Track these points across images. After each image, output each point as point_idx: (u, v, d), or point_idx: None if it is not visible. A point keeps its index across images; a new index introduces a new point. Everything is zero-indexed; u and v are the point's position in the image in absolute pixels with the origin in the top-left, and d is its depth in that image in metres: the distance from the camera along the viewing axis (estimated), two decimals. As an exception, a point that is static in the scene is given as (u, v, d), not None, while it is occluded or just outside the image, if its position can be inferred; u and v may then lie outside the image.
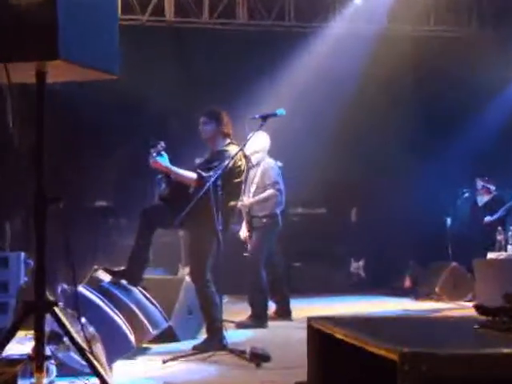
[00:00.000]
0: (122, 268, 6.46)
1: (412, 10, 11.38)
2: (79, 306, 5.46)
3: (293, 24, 11.43)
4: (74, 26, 3.66)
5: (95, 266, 7.07)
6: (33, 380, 3.93)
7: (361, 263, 12.03)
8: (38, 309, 3.78)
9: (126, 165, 11.36)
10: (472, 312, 2.49)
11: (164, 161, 6.19)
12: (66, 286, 6.20)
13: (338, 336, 2.09)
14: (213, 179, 6.05)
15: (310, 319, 2.41)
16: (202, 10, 11.26)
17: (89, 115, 10.68)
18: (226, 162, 6.23)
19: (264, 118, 6.37)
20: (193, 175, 6.24)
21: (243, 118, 6.69)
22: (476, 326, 2.19)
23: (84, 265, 8.57)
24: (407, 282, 11.22)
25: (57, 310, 3.83)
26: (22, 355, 4.19)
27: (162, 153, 6.20)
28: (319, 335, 2.30)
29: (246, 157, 6.64)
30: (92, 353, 3.85)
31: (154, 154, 6.18)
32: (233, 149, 6.47)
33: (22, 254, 7.72)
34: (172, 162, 6.42)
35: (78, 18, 3.68)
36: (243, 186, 7.39)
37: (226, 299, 9.41)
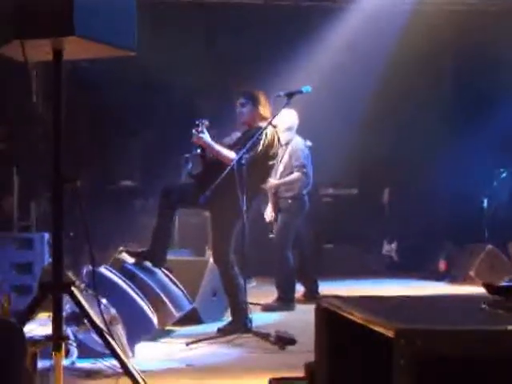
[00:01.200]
0: (146, 249, 6.43)
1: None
2: (101, 287, 5.46)
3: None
4: (90, 2, 3.61)
5: (120, 248, 7.06)
6: (53, 361, 3.91)
7: (393, 245, 11.85)
8: (55, 289, 3.75)
9: (152, 144, 11.33)
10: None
11: (206, 137, 6.21)
12: (90, 267, 6.19)
13: (344, 314, 2.03)
14: (237, 157, 5.98)
15: (319, 298, 2.35)
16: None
17: (115, 94, 10.63)
18: (259, 143, 6.17)
19: (289, 95, 6.26)
20: (232, 154, 6.17)
21: (271, 95, 6.59)
22: (483, 305, 2.10)
23: (110, 246, 8.61)
24: (442, 265, 10.98)
25: (75, 290, 3.79)
26: (42, 336, 4.14)
27: (204, 130, 6.23)
28: (326, 314, 2.24)
29: (278, 139, 6.52)
30: (110, 334, 3.81)
31: (197, 132, 6.22)
32: (269, 131, 6.38)
33: (46, 235, 7.72)
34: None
35: (93, -8, 3.63)
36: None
37: (253, 282, 9.39)
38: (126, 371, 3.70)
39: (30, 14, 3.56)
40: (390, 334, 1.69)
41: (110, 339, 3.73)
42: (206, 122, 6.28)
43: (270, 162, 6.48)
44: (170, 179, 8.42)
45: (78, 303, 3.77)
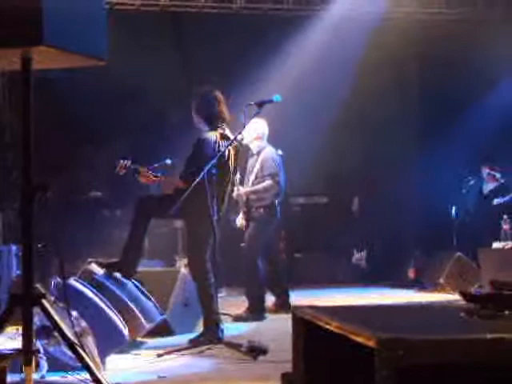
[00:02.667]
0: (115, 260, 6.36)
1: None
2: (71, 299, 5.40)
3: (291, 7, 11.16)
4: (59, 11, 3.57)
5: (89, 259, 6.99)
6: (22, 375, 3.85)
7: (363, 254, 11.89)
8: (24, 302, 3.69)
9: (121, 154, 11.24)
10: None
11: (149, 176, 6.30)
12: (59, 279, 6.12)
13: (321, 324, 2.01)
14: (207, 168, 5.94)
15: (293, 308, 2.34)
16: (198, -7, 11.02)
17: (84, 104, 10.55)
18: (209, 150, 6.13)
19: (260, 104, 6.24)
20: (178, 181, 6.17)
21: (241, 104, 6.57)
22: (461, 313, 2.10)
23: (79, 257, 8.51)
24: (411, 273, 11.05)
25: (45, 302, 3.73)
26: (11, 350, 4.08)
27: (137, 168, 6.33)
28: (303, 324, 2.22)
29: (231, 144, 6.41)
30: (82, 346, 3.75)
31: (136, 176, 6.33)
32: (213, 134, 6.31)
33: (14, 247, 7.62)
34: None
35: (63, 1, 3.58)
36: (239, 176, 7.29)
37: (223, 292, 9.35)
38: (98, 384, 3.65)
39: (-3, 23, 3.50)
40: (371, 343, 1.67)
41: (81, 352, 3.67)
42: (126, 162, 6.37)
43: (221, 167, 6.38)
44: (139, 191, 8.37)
45: (48, 316, 3.71)
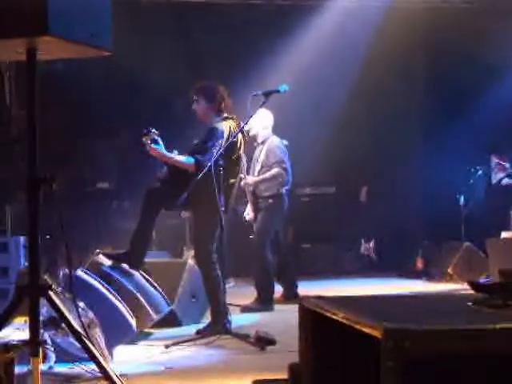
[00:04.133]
0: (123, 251, 6.36)
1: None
2: (78, 290, 5.40)
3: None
4: (64, 1, 3.55)
5: (97, 250, 7.00)
6: (30, 366, 3.85)
7: (371, 244, 11.83)
8: (31, 293, 3.69)
9: (128, 146, 11.24)
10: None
11: (160, 149, 6.11)
12: (67, 270, 6.12)
13: (328, 315, 1.99)
14: (214, 159, 5.92)
15: (300, 298, 2.32)
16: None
17: (90, 95, 10.55)
18: (221, 140, 6.12)
19: (266, 94, 6.21)
20: (190, 161, 6.11)
21: (248, 94, 6.55)
22: (469, 303, 2.07)
23: (86, 249, 8.52)
24: (419, 263, 10.99)
25: (51, 294, 3.73)
26: (19, 341, 4.08)
27: (158, 140, 6.11)
28: (310, 315, 2.20)
29: (242, 132, 6.43)
30: (89, 338, 3.75)
31: (149, 142, 6.09)
32: (226, 124, 6.31)
33: (22, 238, 7.63)
34: (177, 142, 6.34)
35: (68, -9, 3.57)
36: (245, 164, 7.27)
37: (232, 283, 9.34)
38: (105, 375, 3.65)
39: (2, 13, 3.49)
40: (377, 334, 1.65)
41: (88, 343, 3.67)
42: (155, 131, 6.14)
43: (232, 156, 6.35)
44: (146, 182, 8.36)
45: (55, 307, 3.71)
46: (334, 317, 1.92)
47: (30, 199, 3.76)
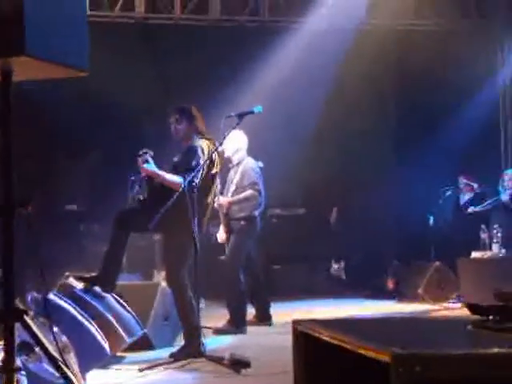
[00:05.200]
0: (94, 274, 6.28)
1: (392, 3, 11.17)
2: (50, 314, 5.31)
3: (267, 19, 11.17)
4: (41, 20, 3.50)
5: (67, 273, 6.90)
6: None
7: (341, 265, 11.85)
8: (6, 318, 3.61)
9: (98, 167, 11.16)
10: (459, 312, 2.36)
11: (151, 167, 6.16)
12: (36, 294, 6.02)
13: (324, 338, 1.95)
14: (188, 179, 5.90)
15: (294, 322, 2.29)
16: (174, 4, 10.92)
17: (59, 116, 10.45)
18: (203, 160, 6.12)
19: (241, 116, 6.23)
20: (178, 179, 6.08)
21: (218, 115, 6.54)
22: (469, 326, 2.06)
23: (55, 272, 8.39)
24: (390, 284, 11.01)
25: (27, 318, 3.66)
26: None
27: (149, 159, 6.18)
28: (304, 338, 2.16)
29: (216, 150, 6.45)
30: (65, 362, 3.68)
31: (141, 162, 6.18)
32: (203, 143, 6.32)
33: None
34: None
35: (44, 11, 3.53)
36: (220, 186, 7.26)
37: (203, 304, 9.26)
38: (82, 401, 3.58)
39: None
40: (386, 359, 1.62)
41: (65, 369, 3.60)
42: (151, 152, 6.23)
43: (207, 174, 6.36)
44: (116, 204, 8.29)
45: (31, 332, 3.63)
46: (330, 340, 1.89)
47: (5, 222, 3.69)
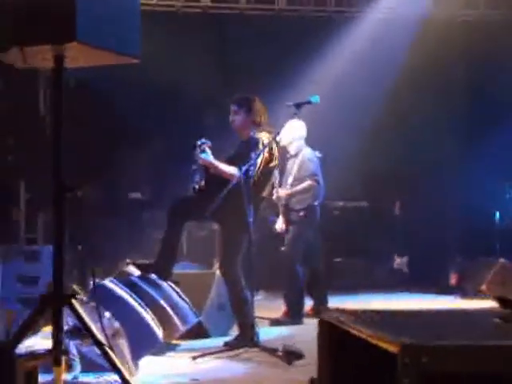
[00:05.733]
0: (151, 262, 6.34)
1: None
2: (105, 300, 5.38)
3: (333, 9, 11.06)
4: (93, 8, 3.54)
5: (127, 260, 6.99)
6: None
7: (404, 259, 11.70)
8: (54, 302, 3.67)
9: (161, 155, 11.25)
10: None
11: (207, 157, 6.19)
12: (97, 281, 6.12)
13: (345, 328, 1.92)
14: (243, 170, 5.90)
15: (319, 310, 2.25)
16: (240, -6, 10.93)
17: (124, 105, 10.57)
18: (260, 152, 6.10)
19: (298, 105, 6.16)
20: (234, 170, 6.09)
21: (281, 105, 6.52)
22: (496, 319, 1.99)
23: (119, 259, 8.52)
24: (453, 279, 10.82)
25: (75, 303, 3.71)
26: (42, 350, 4.06)
27: (206, 149, 6.21)
28: (328, 328, 2.13)
29: (277, 144, 6.44)
30: (111, 347, 3.71)
31: (198, 152, 6.22)
32: (264, 136, 6.30)
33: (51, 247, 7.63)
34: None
35: (96, -1, 3.56)
36: (279, 177, 7.24)
37: (261, 295, 9.28)
38: (127, 386, 3.60)
39: (31, 20, 3.49)
40: (393, 349, 1.58)
41: (110, 354, 3.63)
42: (208, 143, 6.27)
43: (266, 168, 6.34)
44: (178, 191, 8.35)
45: (78, 316, 3.69)
46: (351, 330, 1.86)
47: (56, 207, 3.75)
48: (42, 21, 3.49)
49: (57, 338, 3.67)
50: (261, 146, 6.17)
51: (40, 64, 3.82)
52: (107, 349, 3.65)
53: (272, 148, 6.34)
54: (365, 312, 2.29)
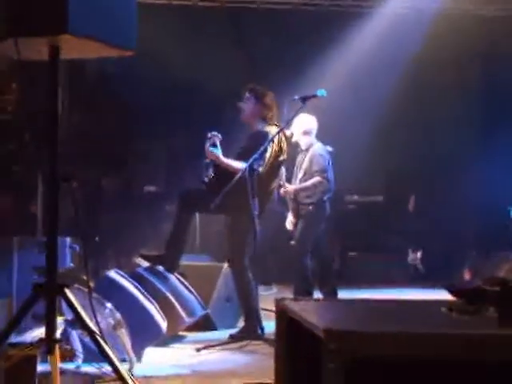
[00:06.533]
0: (159, 253, 6.38)
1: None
2: (108, 290, 5.43)
3: (349, 4, 11.04)
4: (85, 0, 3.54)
5: (140, 252, 7.02)
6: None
7: (418, 254, 11.65)
8: (47, 291, 3.70)
9: (176, 149, 11.29)
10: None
11: (216, 151, 6.18)
12: (106, 272, 6.18)
13: (290, 315, 1.93)
14: (249, 163, 5.91)
15: (276, 300, 2.28)
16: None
17: (143, 98, 10.62)
18: (266, 145, 6.10)
19: (304, 99, 6.16)
20: (241, 166, 6.10)
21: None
22: (443, 309, 2.00)
23: (133, 251, 8.57)
24: (467, 274, 10.75)
25: (68, 292, 3.74)
26: (35, 339, 4.10)
27: (217, 143, 6.21)
28: (284, 318, 2.14)
29: (286, 137, 6.45)
30: (103, 338, 3.73)
31: (208, 145, 6.21)
32: (272, 129, 6.30)
33: (68, 239, 7.71)
34: (227, 147, 6.37)
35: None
36: (283, 171, 7.23)
37: (274, 289, 9.28)
38: (119, 376, 3.63)
39: (24, 11, 3.51)
40: (321, 335, 1.59)
41: (102, 342, 3.66)
42: (219, 136, 6.25)
43: (275, 161, 6.36)
44: (193, 184, 8.38)
45: (70, 306, 3.71)
46: (293, 317, 1.87)
47: (51, 198, 3.78)
48: (34, 12, 3.50)
49: (50, 326, 3.70)
50: (268, 139, 6.17)
51: (35, 56, 3.83)
52: (99, 338, 3.67)
53: (281, 141, 6.34)
54: (317, 301, 2.30)
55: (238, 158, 6.24)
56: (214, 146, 6.23)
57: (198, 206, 6.40)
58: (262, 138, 6.19)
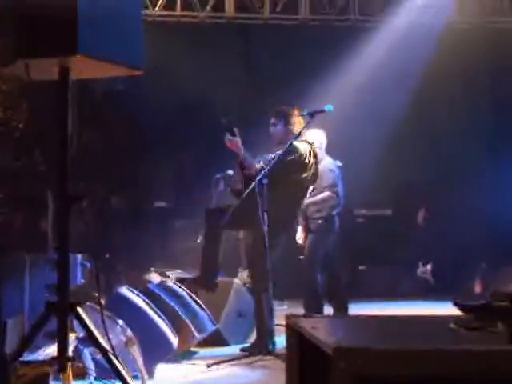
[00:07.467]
0: (195, 275, 6.39)
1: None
2: (120, 307, 5.45)
3: (357, 18, 11.04)
4: (95, 20, 3.59)
5: (152, 268, 7.05)
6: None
7: (428, 267, 11.63)
8: (59, 309, 3.73)
9: (186, 165, 11.32)
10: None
11: (239, 141, 6.12)
12: (117, 289, 6.20)
13: (301, 332, 1.95)
14: (258, 178, 5.90)
15: (287, 317, 2.30)
16: (264, 4, 10.90)
17: (150, 115, 10.66)
18: (278, 156, 6.06)
19: (312, 114, 6.20)
20: (257, 165, 6.11)
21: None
22: (451, 325, 2.01)
23: (143, 267, 8.60)
24: (477, 287, 10.74)
25: (80, 310, 3.76)
26: (48, 357, 4.13)
27: (236, 133, 6.14)
28: (296, 335, 2.16)
29: (315, 156, 6.45)
30: (115, 355, 3.76)
31: (227, 133, 6.15)
32: (302, 144, 6.31)
33: (79, 256, 7.73)
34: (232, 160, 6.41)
35: (99, 11, 3.62)
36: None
37: (285, 305, 9.28)
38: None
39: (34, 33, 3.56)
40: (329, 352, 1.60)
41: (114, 360, 3.68)
42: (236, 130, 6.16)
43: (298, 176, 6.37)
44: (203, 202, 8.40)
45: (83, 324, 3.74)
46: (305, 334, 1.88)
47: (61, 217, 3.82)
48: (44, 34, 3.54)
49: (62, 344, 3.73)
50: (300, 153, 6.21)
51: (46, 76, 3.88)
52: (111, 356, 3.69)
53: (309, 155, 6.33)
54: (327, 317, 2.31)
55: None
56: (233, 133, 6.12)
57: (228, 224, 6.27)
58: (287, 148, 6.16)
